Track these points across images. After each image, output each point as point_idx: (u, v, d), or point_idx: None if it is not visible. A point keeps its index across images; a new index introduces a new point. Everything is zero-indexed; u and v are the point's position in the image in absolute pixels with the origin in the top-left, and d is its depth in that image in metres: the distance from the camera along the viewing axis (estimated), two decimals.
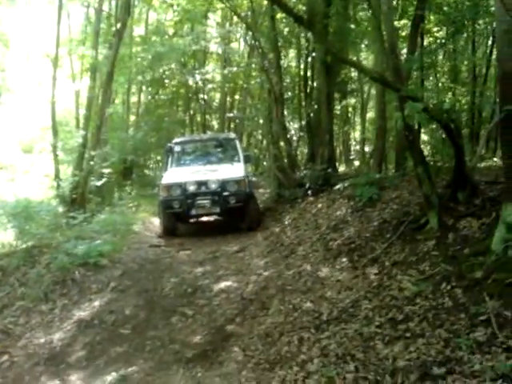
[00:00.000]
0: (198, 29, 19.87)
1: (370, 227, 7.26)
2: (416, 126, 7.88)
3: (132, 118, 22.72)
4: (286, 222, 9.72)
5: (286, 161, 12.96)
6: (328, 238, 7.65)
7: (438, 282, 4.84)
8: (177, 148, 11.53)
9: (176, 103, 24.40)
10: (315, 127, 13.15)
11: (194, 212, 9.99)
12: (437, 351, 3.73)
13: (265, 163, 14.65)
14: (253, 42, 15.29)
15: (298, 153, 18.20)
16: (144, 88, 23.24)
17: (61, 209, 10.95)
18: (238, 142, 11.78)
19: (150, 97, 24.07)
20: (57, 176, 14.40)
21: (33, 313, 6.35)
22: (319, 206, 9.71)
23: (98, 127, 13.16)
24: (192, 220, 10.94)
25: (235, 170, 10.40)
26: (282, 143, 13.43)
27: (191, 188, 9.87)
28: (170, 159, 11.31)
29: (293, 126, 17.34)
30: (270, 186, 14.40)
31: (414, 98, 5.10)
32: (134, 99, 23.05)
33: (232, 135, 12.85)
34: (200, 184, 9.93)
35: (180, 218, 10.34)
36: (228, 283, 6.75)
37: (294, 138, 17.30)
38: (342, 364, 3.89)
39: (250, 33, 14.25)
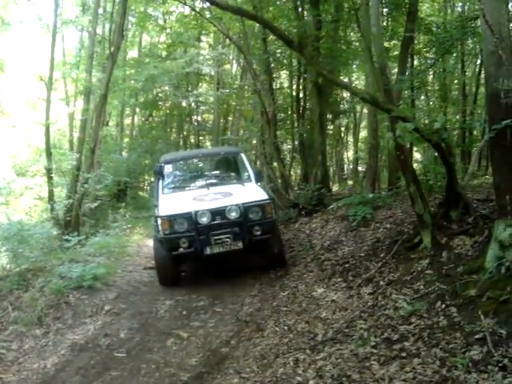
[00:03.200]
0: (191, 51, 20.04)
1: (363, 247, 7.30)
2: (408, 145, 7.97)
3: (126, 139, 22.83)
4: None
5: (279, 181, 12.98)
6: (322, 258, 7.69)
7: (433, 300, 4.87)
8: (168, 168, 9.13)
9: (169, 125, 24.57)
10: (308, 148, 13.27)
11: (208, 251, 7.37)
12: (433, 371, 3.74)
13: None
14: (245, 64, 15.41)
15: (292, 173, 18.27)
16: (138, 110, 23.42)
17: (55, 231, 10.88)
18: (244, 157, 9.25)
19: (143, 119, 24.25)
20: (51, 199, 14.38)
21: (26, 337, 6.29)
22: (313, 226, 9.74)
23: (92, 150, 13.18)
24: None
25: (254, 192, 8.07)
26: (275, 164, 13.48)
27: (204, 219, 7.35)
28: (160, 183, 8.68)
29: (286, 147, 17.45)
30: None
31: (404, 119, 5.17)
32: (127, 121, 23.20)
33: (236, 149, 10.71)
34: (216, 213, 7.42)
35: (188, 259, 8.02)
36: (222, 305, 6.72)
37: (288, 158, 17.39)
38: None
39: (243, 55, 14.35)
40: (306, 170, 13.29)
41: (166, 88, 21.41)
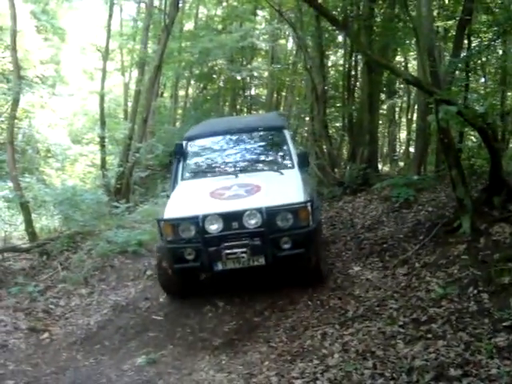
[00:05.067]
0: (246, 25, 20.03)
1: (403, 228, 7.29)
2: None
3: (179, 111, 23.18)
4: (323, 220, 9.76)
5: (326, 159, 12.97)
6: (362, 237, 7.70)
7: (466, 285, 4.87)
8: (191, 147, 7.19)
9: (223, 98, 24.68)
10: (357, 126, 13.15)
11: (220, 267, 5.71)
12: (456, 353, 3.77)
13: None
14: (297, 40, 15.32)
15: (341, 152, 18.15)
16: (192, 82, 23.67)
17: (105, 198, 11.28)
18: (288, 134, 7.21)
19: (197, 91, 24.49)
20: (103, 166, 14.86)
21: (73, 295, 6.72)
22: (356, 205, 9.75)
23: (145, 120, 13.49)
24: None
25: (290, 187, 6.14)
26: (323, 142, 13.45)
27: (213, 227, 5.66)
28: (180, 166, 6.95)
29: (336, 125, 17.34)
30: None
31: (448, 102, 5.11)
32: (181, 93, 23.50)
33: (279, 122, 7.92)
34: (230, 218, 5.68)
35: (196, 274, 6.54)
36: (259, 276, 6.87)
37: (336, 136, 17.29)
38: (361, 360, 3.98)
39: (294, 31, 14.25)
40: (353, 150, 13.22)
41: (221, 61, 21.52)
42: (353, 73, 14.95)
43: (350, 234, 8.09)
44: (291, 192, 5.99)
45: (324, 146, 13.21)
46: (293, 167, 6.64)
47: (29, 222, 9.74)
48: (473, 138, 11.83)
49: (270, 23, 20.51)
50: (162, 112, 21.19)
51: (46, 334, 5.68)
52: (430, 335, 4.17)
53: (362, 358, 4.02)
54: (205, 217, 5.64)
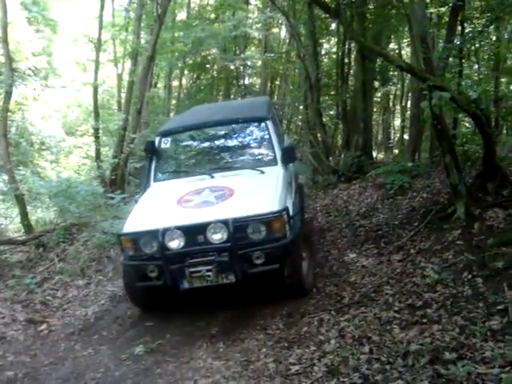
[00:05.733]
0: (239, 14, 19.94)
1: (398, 215, 7.35)
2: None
3: (173, 101, 23.11)
4: (318, 208, 9.81)
5: (320, 147, 12.98)
6: (357, 224, 7.76)
7: (460, 270, 4.92)
8: (164, 143, 6.50)
9: (217, 88, 24.61)
10: (351, 114, 13.17)
11: (186, 285, 5.08)
12: (451, 337, 3.82)
13: (303, 149, 14.57)
14: (290, 28, 15.27)
15: (334, 140, 18.17)
16: (185, 72, 23.58)
17: (100, 189, 11.28)
18: (271, 125, 6.32)
19: (191, 81, 24.41)
20: (98, 157, 14.86)
21: (70, 287, 6.76)
22: (351, 192, 9.80)
23: (138, 110, 13.46)
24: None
25: (264, 192, 5.37)
26: (317, 130, 13.46)
27: (173, 244, 5.02)
28: (152, 166, 6.34)
29: (329, 113, 17.35)
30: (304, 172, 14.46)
31: (441, 88, 5.13)
32: (175, 83, 23.42)
33: (262, 110, 6.85)
34: (191, 233, 5.03)
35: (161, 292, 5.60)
36: None
37: (330, 124, 17.30)
38: (357, 346, 4.03)
39: (287, 19, 14.20)
40: (347, 137, 13.24)
41: (214, 51, 21.43)
42: (346, 60, 14.93)
43: (345, 222, 8.14)
44: (266, 198, 5.22)
45: (318, 135, 13.22)
46: (275, 164, 5.96)
47: (24, 215, 9.75)
48: (466, 124, 11.86)
49: (262, 12, 20.41)
50: (156, 102, 21.11)
51: (44, 326, 5.71)
52: (425, 320, 4.22)
53: (359, 343, 4.06)
54: (165, 231, 4.97)
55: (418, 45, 5.67)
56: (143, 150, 6.96)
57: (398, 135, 23.15)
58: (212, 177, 5.88)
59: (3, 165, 10.16)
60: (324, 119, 15.00)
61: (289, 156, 5.99)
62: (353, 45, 14.01)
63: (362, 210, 8.38)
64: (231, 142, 6.70)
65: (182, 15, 22.25)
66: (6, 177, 10.30)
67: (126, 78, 17.66)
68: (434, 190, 7.68)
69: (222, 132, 6.69)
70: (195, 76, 24.02)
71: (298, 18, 13.77)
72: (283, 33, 23.18)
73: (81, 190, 9.49)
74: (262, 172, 5.79)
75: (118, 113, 16.04)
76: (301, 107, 18.79)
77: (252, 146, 6.67)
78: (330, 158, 12.82)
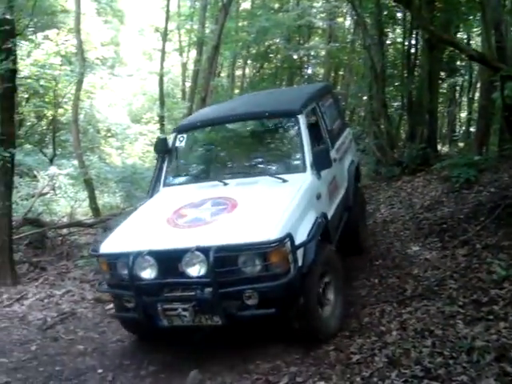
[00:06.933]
0: (303, 3, 19.83)
1: (464, 209, 7.15)
2: None
3: (236, 90, 23.30)
4: (381, 200, 9.69)
5: (385, 138, 12.79)
6: (421, 217, 7.61)
7: None
8: (180, 141, 5.53)
9: (280, 77, 24.59)
10: (416, 106, 12.90)
11: (165, 323, 4.07)
12: None
13: (366, 140, 14.39)
14: (356, 17, 15.06)
15: (398, 131, 17.83)
16: (249, 62, 23.70)
17: None
18: (303, 121, 5.05)
19: (254, 70, 24.52)
20: None
21: None
22: (415, 185, 9.62)
23: (203, 99, 13.65)
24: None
25: (271, 210, 4.22)
26: (382, 121, 13.27)
27: (145, 272, 4.06)
28: (163, 168, 5.49)
29: (395, 104, 17.03)
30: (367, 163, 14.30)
31: None
32: (238, 72, 23.59)
33: (294, 102, 5.41)
34: (165, 261, 4.04)
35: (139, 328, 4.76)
36: None
37: (395, 116, 16.97)
38: (419, 338, 3.99)
39: (353, 8, 14.01)
40: (412, 129, 12.99)
41: (278, 40, 21.42)
42: (412, 51, 14.61)
43: (408, 214, 8.00)
44: (267, 220, 4.05)
45: (382, 126, 13.03)
46: (304, 170, 4.85)
47: (92, 199, 10.14)
48: None
49: (327, 1, 20.20)
50: (220, 91, 21.33)
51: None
52: (491, 316, 4.11)
53: (421, 336, 4.02)
54: (136, 256, 3.98)
55: (491, 33, 5.49)
56: (153, 150, 5.99)
57: (463, 128, 22.45)
58: (225, 184, 4.89)
59: (74, 150, 10.58)
60: (389, 110, 14.75)
61: (321, 161, 4.82)
62: (419, 34, 13.67)
63: (426, 202, 8.22)
64: (254, 142, 5.69)
65: (246, 4, 22.34)
66: (75, 162, 10.71)
67: (190, 67, 17.96)
68: (503, 184, 7.41)
69: (245, 129, 5.77)
70: (258, 65, 24.07)
71: (365, 6, 13.55)
72: (348, 22, 22.88)
73: (146, 176, 9.77)
74: (284, 180, 4.70)
75: (183, 101, 16.35)
76: (365, 97, 18.51)
77: (278, 146, 5.64)
78: (394, 150, 12.61)
